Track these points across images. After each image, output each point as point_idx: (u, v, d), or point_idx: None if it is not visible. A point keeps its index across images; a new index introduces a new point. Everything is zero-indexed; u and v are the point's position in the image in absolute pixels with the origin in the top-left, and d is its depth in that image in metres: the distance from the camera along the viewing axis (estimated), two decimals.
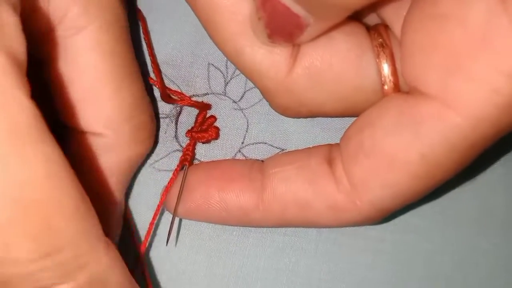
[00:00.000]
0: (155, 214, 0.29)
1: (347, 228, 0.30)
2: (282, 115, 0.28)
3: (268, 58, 0.26)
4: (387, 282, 0.30)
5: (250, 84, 0.30)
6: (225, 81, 0.31)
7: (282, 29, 0.24)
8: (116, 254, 0.21)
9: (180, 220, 0.30)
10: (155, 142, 0.30)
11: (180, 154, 0.30)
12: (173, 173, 0.29)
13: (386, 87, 0.26)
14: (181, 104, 0.30)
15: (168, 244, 0.29)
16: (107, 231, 0.25)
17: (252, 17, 0.25)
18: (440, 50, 0.23)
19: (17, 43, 0.18)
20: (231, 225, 0.30)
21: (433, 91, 0.24)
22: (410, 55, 0.25)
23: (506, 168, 0.31)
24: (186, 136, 0.30)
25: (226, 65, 0.31)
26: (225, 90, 0.31)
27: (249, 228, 0.30)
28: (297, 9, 0.23)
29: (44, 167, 0.18)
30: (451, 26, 0.23)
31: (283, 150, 0.31)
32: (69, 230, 0.19)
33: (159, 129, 0.30)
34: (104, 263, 0.20)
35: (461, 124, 0.23)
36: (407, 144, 0.24)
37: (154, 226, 0.29)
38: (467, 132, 0.23)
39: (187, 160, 0.29)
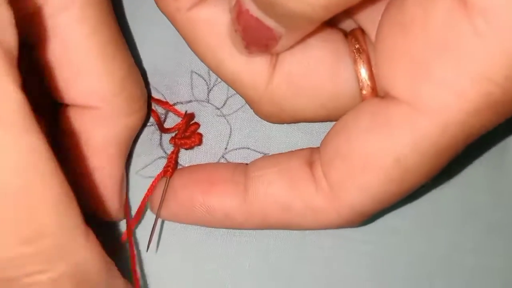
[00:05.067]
0: (135, 218, 0.30)
1: (330, 230, 0.30)
2: (267, 121, 0.29)
3: (248, 68, 0.27)
4: (371, 284, 0.31)
5: (232, 91, 0.31)
6: (208, 88, 0.32)
7: (257, 40, 0.25)
8: (96, 243, 0.21)
9: (162, 224, 0.31)
10: (148, 114, 0.30)
11: (164, 161, 0.31)
12: (154, 179, 0.29)
13: (364, 91, 0.27)
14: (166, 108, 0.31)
15: (152, 248, 0.30)
16: (107, 202, 0.28)
17: (229, 29, 0.26)
18: (406, 56, 0.24)
19: (9, 36, 0.19)
20: (215, 227, 0.30)
21: (403, 96, 0.24)
22: (382, 61, 0.25)
23: (488, 167, 0.31)
24: (170, 143, 0.31)
25: (208, 73, 0.31)
26: (208, 97, 0.32)
27: (233, 232, 0.31)
28: (268, 21, 0.24)
29: (27, 157, 0.18)
30: (415, 31, 0.23)
31: (265, 154, 0.31)
32: (49, 220, 0.19)
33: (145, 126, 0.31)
34: (84, 253, 0.20)
35: (430, 129, 0.23)
36: (380, 148, 0.24)
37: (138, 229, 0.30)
38: (436, 137, 0.23)
39: (171, 165, 0.30)
